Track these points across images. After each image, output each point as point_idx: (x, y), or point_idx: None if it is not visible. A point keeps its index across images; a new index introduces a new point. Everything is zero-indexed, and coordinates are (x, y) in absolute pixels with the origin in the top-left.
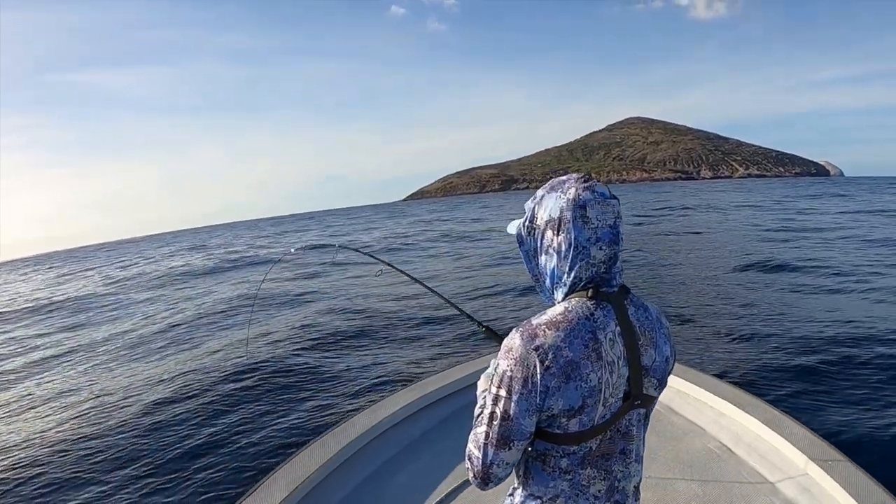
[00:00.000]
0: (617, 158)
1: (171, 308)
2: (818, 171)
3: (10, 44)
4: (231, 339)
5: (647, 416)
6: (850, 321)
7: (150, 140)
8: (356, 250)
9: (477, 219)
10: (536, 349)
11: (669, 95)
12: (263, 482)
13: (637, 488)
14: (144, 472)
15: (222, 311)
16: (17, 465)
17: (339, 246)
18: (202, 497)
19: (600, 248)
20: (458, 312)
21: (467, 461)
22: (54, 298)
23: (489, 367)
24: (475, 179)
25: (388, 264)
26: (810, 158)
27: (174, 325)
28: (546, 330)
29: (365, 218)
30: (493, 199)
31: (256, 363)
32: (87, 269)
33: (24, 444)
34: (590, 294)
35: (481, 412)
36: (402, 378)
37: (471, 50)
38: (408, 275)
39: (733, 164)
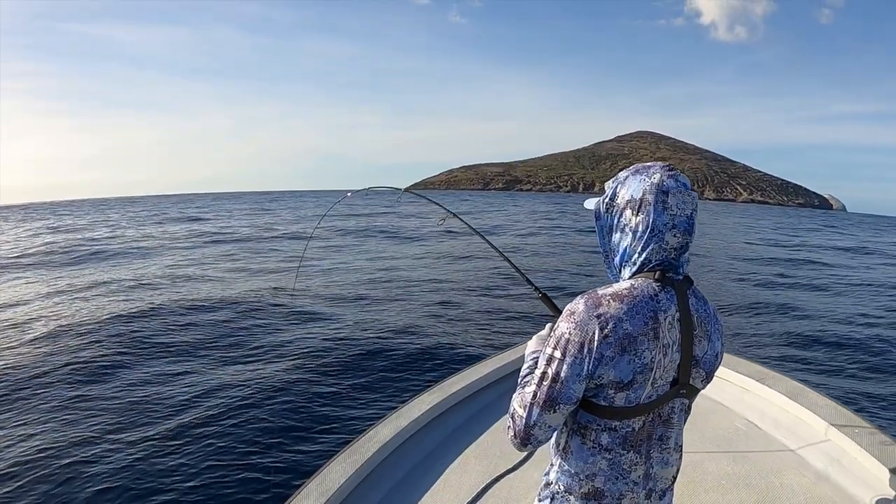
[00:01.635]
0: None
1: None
2: (821, 203)
3: None
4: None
5: (688, 409)
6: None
7: (153, 99)
8: (422, 196)
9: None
10: (598, 317)
11: (681, 113)
12: (296, 496)
13: (674, 478)
14: (179, 477)
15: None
16: None
17: (405, 190)
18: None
19: (674, 235)
20: (516, 272)
21: (509, 420)
22: None
23: (544, 329)
24: (480, 176)
25: (454, 214)
26: (814, 190)
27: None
28: (611, 301)
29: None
30: (494, 198)
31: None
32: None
33: None
34: (657, 276)
35: (530, 373)
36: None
37: (487, 46)
38: (471, 227)
39: (738, 187)
